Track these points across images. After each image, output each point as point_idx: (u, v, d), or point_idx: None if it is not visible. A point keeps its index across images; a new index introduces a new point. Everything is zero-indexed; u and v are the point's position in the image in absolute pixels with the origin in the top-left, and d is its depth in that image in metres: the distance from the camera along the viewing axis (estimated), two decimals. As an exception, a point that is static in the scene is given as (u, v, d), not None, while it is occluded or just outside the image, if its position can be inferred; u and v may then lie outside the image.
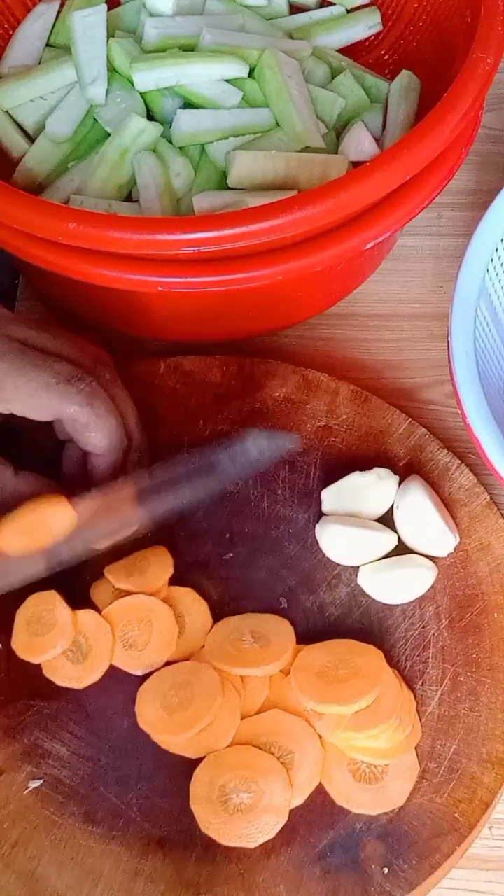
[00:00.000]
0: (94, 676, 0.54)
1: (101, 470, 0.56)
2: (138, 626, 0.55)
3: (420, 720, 0.52)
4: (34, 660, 0.54)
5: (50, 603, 0.55)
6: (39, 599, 0.55)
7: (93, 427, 0.54)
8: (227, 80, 0.67)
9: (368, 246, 0.58)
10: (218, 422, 0.63)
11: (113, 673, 0.54)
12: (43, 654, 0.54)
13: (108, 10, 0.70)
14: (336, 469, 0.60)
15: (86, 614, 0.55)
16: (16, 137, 0.68)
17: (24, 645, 0.54)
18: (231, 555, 0.58)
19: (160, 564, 0.57)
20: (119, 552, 0.57)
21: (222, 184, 0.64)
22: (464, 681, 0.53)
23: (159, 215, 0.62)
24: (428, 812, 0.50)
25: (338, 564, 0.58)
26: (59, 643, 0.54)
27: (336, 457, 0.61)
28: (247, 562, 0.58)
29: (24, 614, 0.55)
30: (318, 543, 0.58)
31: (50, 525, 0.52)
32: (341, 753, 0.51)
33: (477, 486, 0.59)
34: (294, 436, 0.61)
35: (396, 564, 0.57)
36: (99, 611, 0.55)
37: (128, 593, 0.56)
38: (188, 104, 0.67)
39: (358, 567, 0.57)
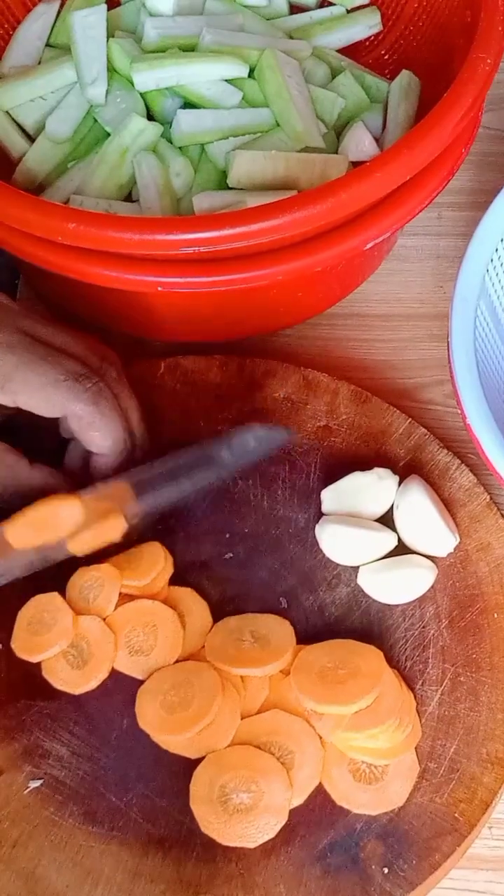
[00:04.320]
0: (92, 684, 0.53)
1: (103, 470, 0.56)
2: (143, 632, 0.55)
3: (420, 720, 0.52)
4: (32, 658, 0.54)
5: (51, 604, 0.55)
6: (41, 601, 0.55)
7: (97, 426, 0.54)
8: (227, 80, 0.67)
9: (368, 246, 0.58)
10: (218, 422, 0.63)
11: (113, 673, 0.54)
12: (41, 653, 0.54)
13: (108, 10, 0.70)
14: (336, 469, 0.60)
15: (90, 620, 0.55)
16: (16, 137, 0.68)
17: (23, 644, 0.54)
18: (231, 555, 0.58)
19: (158, 560, 0.57)
20: (117, 548, 0.57)
21: (222, 184, 0.64)
22: (464, 681, 0.53)
23: (159, 215, 0.62)
24: (428, 812, 0.50)
25: (338, 564, 0.58)
26: (57, 643, 0.54)
27: (336, 457, 0.61)
28: (247, 562, 0.58)
29: (25, 615, 0.55)
30: (318, 543, 0.58)
31: (59, 521, 0.53)
32: (341, 753, 0.51)
33: (477, 486, 0.59)
34: (291, 431, 0.61)
35: (396, 564, 0.56)
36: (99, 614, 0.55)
37: (130, 597, 0.56)
38: (188, 104, 0.67)
39: (358, 567, 0.57)
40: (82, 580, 0.56)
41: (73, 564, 0.57)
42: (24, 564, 0.53)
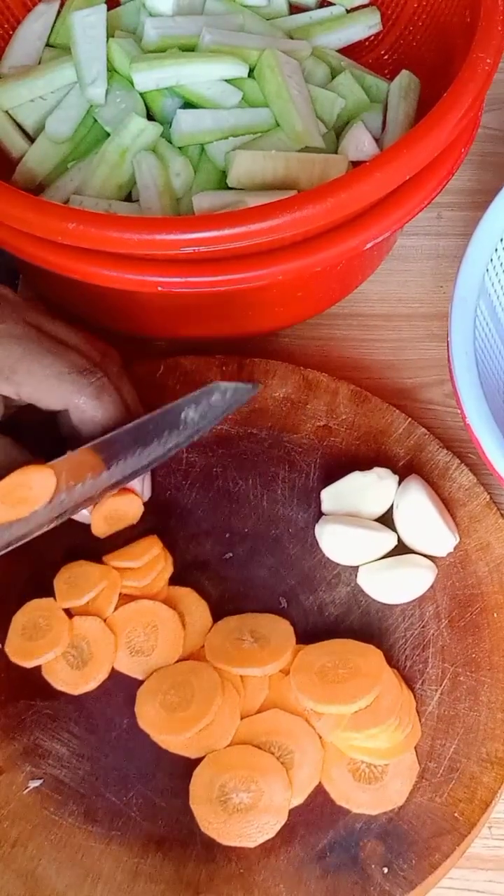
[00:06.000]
0: (91, 685, 0.53)
1: None
2: (144, 632, 0.55)
3: (420, 720, 0.52)
4: (26, 664, 0.54)
5: (47, 609, 0.55)
6: (37, 606, 0.55)
7: (99, 420, 0.54)
8: (227, 80, 0.67)
9: (368, 246, 0.58)
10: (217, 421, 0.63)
11: (113, 673, 0.54)
12: (34, 658, 0.54)
13: (108, 10, 0.70)
14: (336, 469, 0.60)
15: (90, 621, 0.55)
16: (16, 137, 0.68)
17: (17, 648, 0.54)
18: (231, 554, 0.58)
19: (157, 561, 0.57)
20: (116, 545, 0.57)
21: (222, 184, 0.64)
22: (463, 680, 0.53)
23: (159, 215, 0.63)
24: (427, 812, 0.50)
25: (337, 564, 0.58)
26: (52, 650, 0.53)
27: (336, 456, 0.61)
28: (246, 561, 0.58)
29: (20, 619, 0.55)
30: (317, 543, 0.58)
31: (34, 492, 0.52)
32: (341, 753, 0.51)
33: (476, 485, 0.60)
34: (257, 385, 0.60)
35: (396, 564, 0.57)
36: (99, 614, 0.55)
37: (130, 598, 0.56)
38: (188, 104, 0.67)
39: (358, 567, 0.57)
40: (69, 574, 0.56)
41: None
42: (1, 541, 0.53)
